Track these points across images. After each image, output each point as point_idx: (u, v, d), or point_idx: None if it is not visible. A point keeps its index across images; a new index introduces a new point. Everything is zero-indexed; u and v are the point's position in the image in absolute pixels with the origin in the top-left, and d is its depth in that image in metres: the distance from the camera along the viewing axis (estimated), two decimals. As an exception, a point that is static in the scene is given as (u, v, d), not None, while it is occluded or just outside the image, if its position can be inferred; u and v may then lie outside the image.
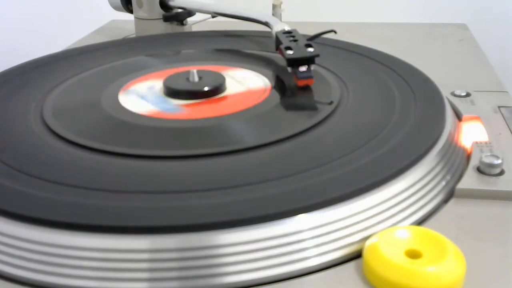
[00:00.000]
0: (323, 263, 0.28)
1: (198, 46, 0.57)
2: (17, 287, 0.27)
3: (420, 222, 0.31)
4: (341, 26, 0.56)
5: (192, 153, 0.34)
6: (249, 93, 0.43)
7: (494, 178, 0.33)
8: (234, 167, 0.33)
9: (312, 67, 0.43)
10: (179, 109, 0.41)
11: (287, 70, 0.44)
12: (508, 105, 0.45)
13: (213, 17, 0.62)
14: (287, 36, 0.47)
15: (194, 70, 0.44)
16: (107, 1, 0.67)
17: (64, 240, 0.27)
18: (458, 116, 0.42)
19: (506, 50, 0.90)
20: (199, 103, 0.42)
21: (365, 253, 0.27)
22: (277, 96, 0.43)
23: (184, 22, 0.64)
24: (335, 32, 0.49)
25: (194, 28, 0.66)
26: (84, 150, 0.35)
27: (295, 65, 0.43)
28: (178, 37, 0.61)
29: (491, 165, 0.34)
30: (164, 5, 0.63)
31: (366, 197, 0.29)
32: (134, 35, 0.66)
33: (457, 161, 0.35)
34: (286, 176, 0.31)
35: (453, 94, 0.45)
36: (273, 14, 0.64)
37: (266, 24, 0.54)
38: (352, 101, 0.41)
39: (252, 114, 0.40)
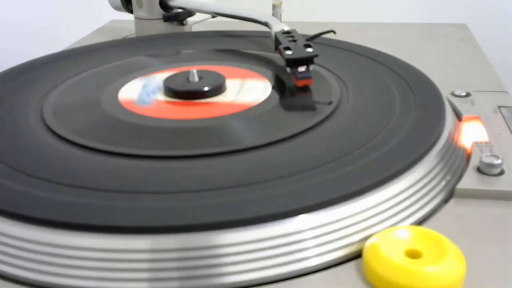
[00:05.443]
0: (323, 263, 0.28)
1: (198, 46, 0.57)
2: (17, 287, 0.27)
3: (420, 222, 0.31)
4: (341, 26, 0.56)
5: (192, 153, 0.34)
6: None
7: (494, 178, 0.33)
8: (234, 167, 0.33)
9: (311, 67, 0.43)
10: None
11: (286, 70, 0.44)
12: (508, 105, 0.45)
13: (213, 17, 0.62)
14: (286, 37, 0.47)
15: (194, 70, 0.44)
16: (107, 1, 0.67)
17: (64, 240, 0.27)
18: (458, 116, 0.42)
19: (506, 50, 0.90)
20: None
21: (365, 253, 0.27)
22: (277, 96, 0.43)
23: (184, 22, 0.64)
24: (335, 32, 0.49)
25: (194, 28, 0.66)
26: (84, 150, 0.35)
27: (294, 66, 0.43)
28: (178, 37, 0.61)
29: (491, 165, 0.34)
30: (164, 5, 0.63)
31: (366, 197, 0.29)
32: (134, 35, 0.66)
33: (457, 161, 0.35)
34: (286, 176, 0.31)
35: (453, 94, 0.45)
36: (273, 14, 0.64)
37: (265, 24, 0.54)
38: (352, 101, 0.41)
39: (252, 114, 0.40)
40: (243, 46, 0.55)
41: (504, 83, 0.50)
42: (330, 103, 0.41)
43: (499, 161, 0.34)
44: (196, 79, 0.44)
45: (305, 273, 0.27)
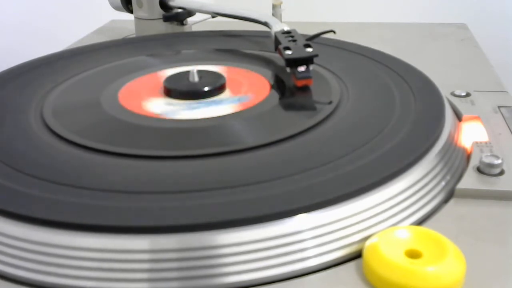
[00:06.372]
0: (323, 263, 0.28)
1: (198, 46, 0.57)
2: (17, 287, 0.27)
3: (420, 222, 0.31)
4: (340, 26, 0.56)
5: (192, 153, 0.34)
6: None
7: (494, 178, 0.33)
8: (234, 167, 0.33)
9: (311, 67, 0.43)
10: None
11: (286, 70, 0.44)
12: (508, 105, 0.45)
13: (213, 17, 0.62)
14: (286, 36, 0.47)
15: (194, 70, 0.44)
16: (107, 1, 0.67)
17: (64, 240, 0.27)
18: (458, 116, 0.42)
19: (506, 50, 0.90)
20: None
21: (365, 253, 0.27)
22: (277, 96, 0.43)
23: (184, 22, 0.64)
24: (334, 32, 0.49)
25: (194, 28, 0.66)
26: (84, 150, 0.35)
27: (294, 65, 0.43)
28: (178, 37, 0.61)
29: (491, 165, 0.34)
30: (164, 5, 0.63)
31: (366, 197, 0.29)
32: (134, 35, 0.66)
33: (457, 161, 0.35)
34: (286, 176, 0.31)
35: (453, 94, 0.45)
36: (273, 14, 0.64)
37: (265, 24, 0.54)
38: (352, 101, 0.41)
39: (252, 114, 0.40)
40: (243, 46, 0.55)
41: (504, 83, 0.50)
42: (330, 103, 0.41)
43: (499, 161, 0.34)
44: (196, 79, 0.44)
45: (305, 273, 0.27)
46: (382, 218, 0.29)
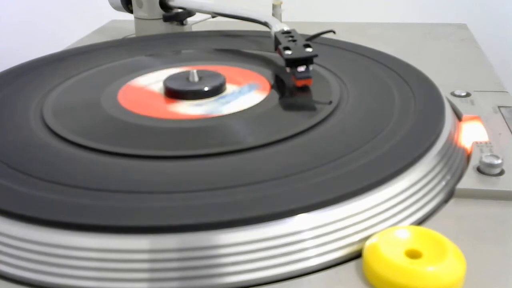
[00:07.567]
0: (323, 263, 0.28)
1: (198, 46, 0.57)
2: (17, 287, 0.27)
3: (420, 222, 0.31)
4: (341, 26, 0.56)
5: (192, 153, 0.34)
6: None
7: (494, 178, 0.33)
8: (234, 167, 0.33)
9: (311, 67, 0.43)
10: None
11: (286, 70, 0.44)
12: (508, 105, 0.45)
13: (213, 17, 0.62)
14: (286, 36, 0.47)
15: (194, 70, 0.44)
16: (107, 1, 0.67)
17: (64, 240, 0.27)
18: (458, 116, 0.42)
19: (506, 50, 0.90)
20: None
21: (365, 253, 0.27)
22: (276, 96, 0.43)
23: (184, 22, 0.64)
24: (334, 32, 0.49)
25: (194, 28, 0.66)
26: (84, 150, 0.35)
27: (293, 66, 0.43)
28: (178, 37, 0.61)
29: (491, 165, 0.34)
30: (164, 5, 0.63)
31: (366, 197, 0.29)
32: (134, 35, 0.66)
33: (457, 161, 0.35)
34: (286, 176, 0.31)
35: (453, 94, 0.45)
36: (273, 14, 0.64)
37: (265, 24, 0.54)
38: (352, 101, 0.41)
39: (252, 114, 0.40)
40: (243, 46, 0.55)
41: (504, 83, 0.50)
42: (330, 103, 0.41)
43: (499, 161, 0.34)
44: (196, 79, 0.44)
45: (305, 273, 0.27)
46: (382, 218, 0.29)
